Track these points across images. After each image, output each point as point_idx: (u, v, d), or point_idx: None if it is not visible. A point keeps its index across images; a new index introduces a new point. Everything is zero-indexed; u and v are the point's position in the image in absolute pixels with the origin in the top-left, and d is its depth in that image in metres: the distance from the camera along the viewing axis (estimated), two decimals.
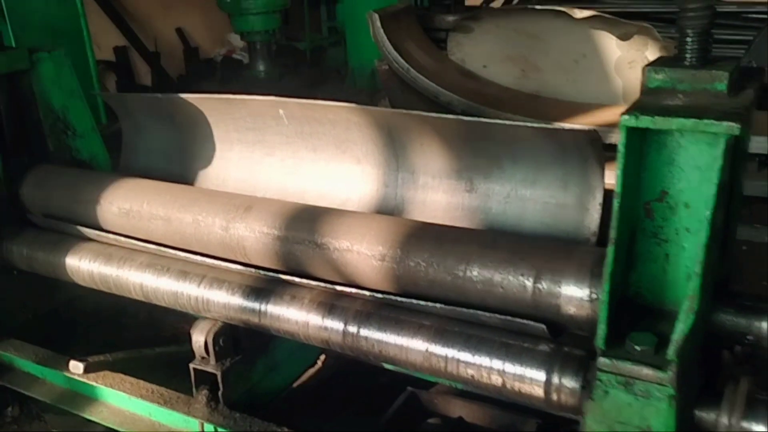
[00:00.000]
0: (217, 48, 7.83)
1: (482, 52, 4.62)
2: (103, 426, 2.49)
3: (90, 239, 2.48)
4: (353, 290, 1.98)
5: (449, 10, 5.38)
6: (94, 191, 2.49)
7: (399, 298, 1.91)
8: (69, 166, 2.79)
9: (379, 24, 4.31)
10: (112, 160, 3.09)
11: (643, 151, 1.46)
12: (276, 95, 2.62)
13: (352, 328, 1.92)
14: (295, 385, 2.68)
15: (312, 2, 7.62)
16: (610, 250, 1.42)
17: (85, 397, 2.54)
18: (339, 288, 2.00)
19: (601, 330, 1.45)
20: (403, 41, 4.46)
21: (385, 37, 4.31)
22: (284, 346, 2.45)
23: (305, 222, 2.06)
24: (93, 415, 2.48)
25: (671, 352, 1.37)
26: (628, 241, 1.53)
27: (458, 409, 2.50)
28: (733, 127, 1.26)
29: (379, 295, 1.94)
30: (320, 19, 7.92)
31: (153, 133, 2.82)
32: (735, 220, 1.71)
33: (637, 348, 1.43)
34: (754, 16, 5.51)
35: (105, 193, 2.46)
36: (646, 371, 1.39)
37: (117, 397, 2.43)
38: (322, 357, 2.81)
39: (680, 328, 1.37)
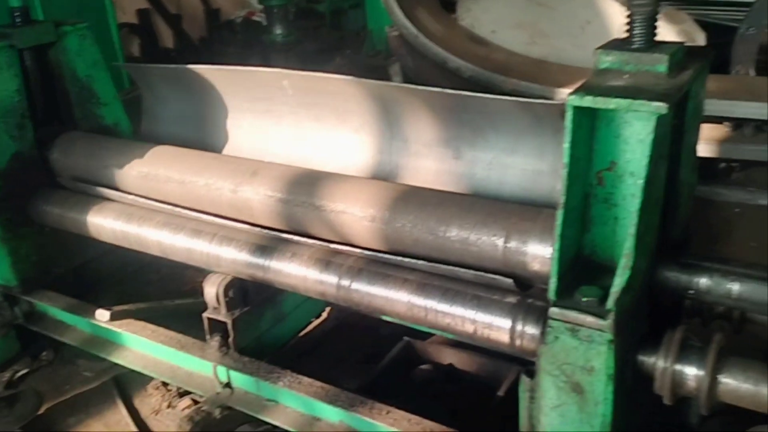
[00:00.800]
0: (237, 10, 7.97)
1: (491, 17, 4.72)
2: (128, 368, 2.76)
3: (113, 200, 2.71)
4: (347, 248, 2.20)
5: None
6: (116, 156, 2.72)
7: (387, 256, 2.13)
8: (94, 133, 3.02)
9: None
10: (133, 125, 3.31)
11: (594, 126, 1.63)
12: (290, 64, 2.81)
13: (345, 282, 2.14)
14: (301, 334, 2.93)
15: None
16: (560, 212, 1.61)
17: (112, 342, 2.80)
18: (334, 246, 2.22)
19: (553, 283, 1.64)
20: (413, 7, 4.58)
21: (395, 4, 4.45)
22: (291, 298, 2.69)
23: (305, 186, 2.27)
24: (119, 358, 2.75)
25: (610, 302, 1.57)
26: (583, 205, 1.71)
27: (449, 357, 2.72)
28: (661, 107, 1.44)
29: (369, 253, 2.16)
30: None
31: (170, 102, 3.03)
32: (686, 187, 1.88)
33: (584, 299, 1.62)
34: None
35: (126, 158, 2.68)
36: (589, 319, 1.59)
37: (140, 343, 2.69)
38: (328, 309, 3.05)
39: (618, 282, 1.56)
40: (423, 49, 4.49)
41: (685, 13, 4.12)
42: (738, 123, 3.76)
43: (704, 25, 4.20)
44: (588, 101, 1.50)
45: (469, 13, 4.79)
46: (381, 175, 2.47)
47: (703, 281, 1.72)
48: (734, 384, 1.59)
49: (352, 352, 2.92)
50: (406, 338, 2.80)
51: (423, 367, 2.71)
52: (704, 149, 3.26)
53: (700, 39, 3.91)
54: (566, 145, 1.55)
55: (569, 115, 1.54)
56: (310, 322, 3.01)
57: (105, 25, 3.75)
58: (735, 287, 1.69)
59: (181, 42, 7.30)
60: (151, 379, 2.83)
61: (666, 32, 3.77)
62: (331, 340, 3.00)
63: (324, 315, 3.06)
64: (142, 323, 2.71)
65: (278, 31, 5.78)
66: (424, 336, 2.83)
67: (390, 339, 2.86)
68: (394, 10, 4.44)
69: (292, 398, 2.33)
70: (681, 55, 1.64)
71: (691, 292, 1.75)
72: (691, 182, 1.92)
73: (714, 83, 3.41)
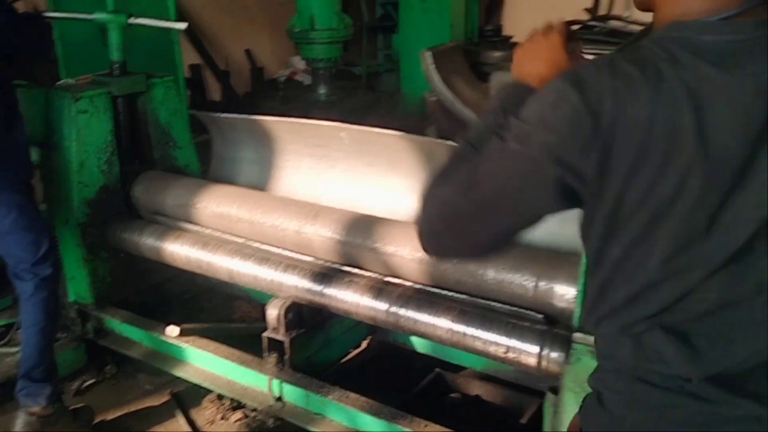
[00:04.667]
0: (280, 69, 8.51)
1: None
2: (188, 382, 3.08)
3: (187, 230, 3.08)
4: (397, 281, 2.54)
5: (495, 47, 5.97)
6: (192, 195, 3.09)
7: (432, 289, 2.46)
8: (170, 172, 3.41)
9: (430, 61, 4.90)
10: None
11: None
12: (337, 118, 3.20)
13: (394, 309, 2.47)
14: (342, 361, 3.24)
15: (370, 31, 8.21)
16: (583, 255, 1.94)
17: (173, 358, 3.12)
18: (386, 279, 2.56)
19: (577, 313, 1.97)
20: (451, 76, 5.04)
21: (435, 73, 4.90)
22: (338, 325, 3.01)
23: (360, 229, 2.62)
24: (180, 372, 3.07)
25: None
26: None
27: (476, 388, 3.02)
28: None
29: (417, 286, 2.50)
30: (377, 47, 8.51)
31: (239, 147, 3.43)
32: None
33: None
34: None
35: (200, 197, 3.06)
36: None
37: (201, 358, 3.00)
38: (367, 340, 3.36)
39: None
40: (458, 113, 4.92)
41: None
42: None
43: None
44: None
45: (501, 83, 5.22)
46: None
47: None
48: None
49: (388, 380, 3.22)
50: (437, 370, 3.10)
51: (452, 395, 3.00)
52: None
53: None
54: None
55: None
56: (350, 352, 3.32)
57: (176, 78, 4.17)
58: None
59: (228, 96, 7.81)
60: (206, 394, 3.14)
61: None
62: (368, 368, 3.30)
63: (363, 345, 3.37)
64: (205, 340, 3.03)
65: (322, 90, 6.23)
66: (454, 368, 3.14)
67: (422, 370, 3.16)
68: (434, 78, 4.88)
69: (338, 411, 2.63)
70: None
71: None
72: None
73: None
